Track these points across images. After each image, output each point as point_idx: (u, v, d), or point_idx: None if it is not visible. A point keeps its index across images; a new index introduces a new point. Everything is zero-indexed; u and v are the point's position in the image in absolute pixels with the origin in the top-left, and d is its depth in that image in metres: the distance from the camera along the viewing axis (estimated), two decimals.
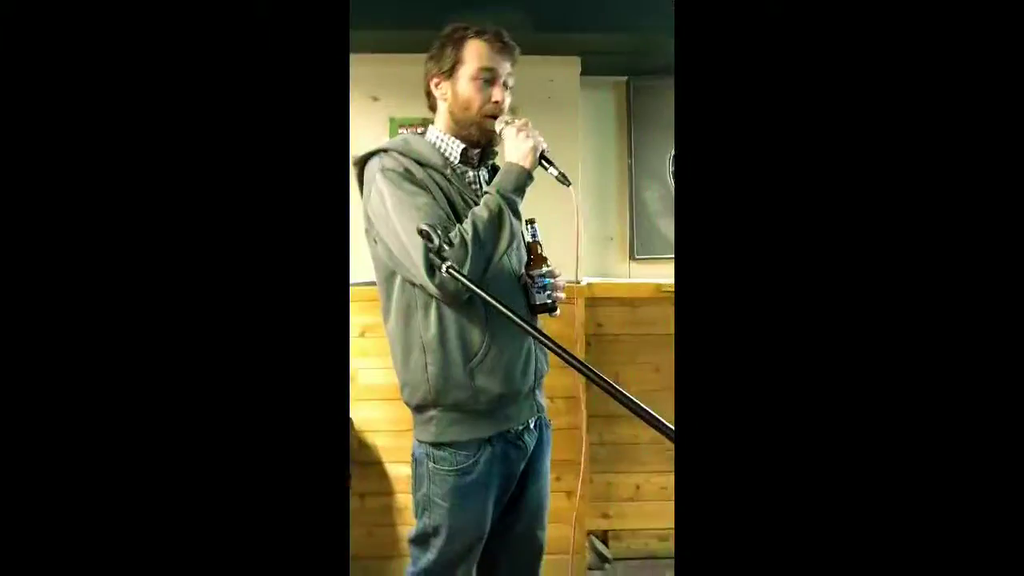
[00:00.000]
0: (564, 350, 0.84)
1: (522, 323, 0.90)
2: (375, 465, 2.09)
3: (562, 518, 2.10)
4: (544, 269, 1.20)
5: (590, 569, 2.14)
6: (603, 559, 2.19)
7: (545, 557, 2.06)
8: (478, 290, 0.95)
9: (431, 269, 1.03)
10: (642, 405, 0.76)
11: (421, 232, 1.01)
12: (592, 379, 0.80)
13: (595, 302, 2.15)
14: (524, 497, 1.25)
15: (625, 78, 2.34)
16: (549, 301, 1.20)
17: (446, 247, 1.00)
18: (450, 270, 0.98)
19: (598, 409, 2.12)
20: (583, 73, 2.18)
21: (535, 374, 1.22)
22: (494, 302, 0.93)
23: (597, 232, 2.33)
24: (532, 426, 1.24)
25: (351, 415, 2.04)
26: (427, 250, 1.02)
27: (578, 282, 2.14)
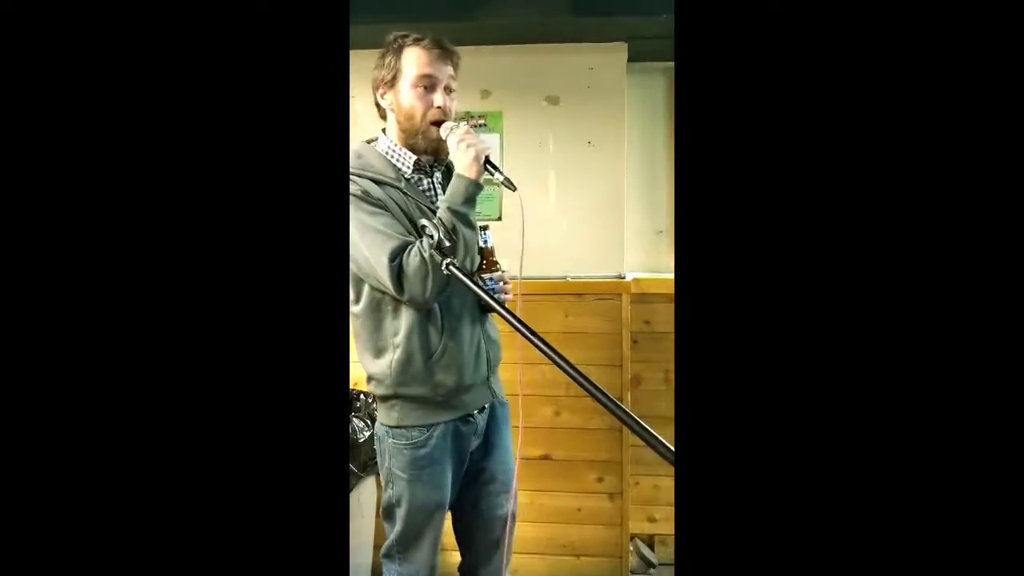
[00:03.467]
0: (545, 342, 0.86)
1: (513, 320, 0.93)
2: None
3: (605, 519, 2.06)
4: (494, 273, 1.28)
5: (634, 573, 2.08)
6: (648, 563, 2.12)
7: (587, 559, 2.03)
8: (473, 285, 1.02)
9: (399, 285, 1.14)
10: (634, 415, 0.75)
11: (423, 228, 1.08)
12: (571, 374, 0.80)
13: (642, 298, 2.08)
14: (485, 471, 1.34)
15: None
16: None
17: (446, 241, 1.06)
18: (451, 266, 1.03)
19: (644, 410, 2.05)
20: (630, 59, 2.10)
21: (488, 365, 1.32)
22: (488, 298, 0.99)
23: (645, 226, 2.25)
24: (487, 409, 1.34)
25: None
26: (393, 269, 1.13)
27: (622, 277, 2.09)
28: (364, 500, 1.93)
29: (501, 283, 1.28)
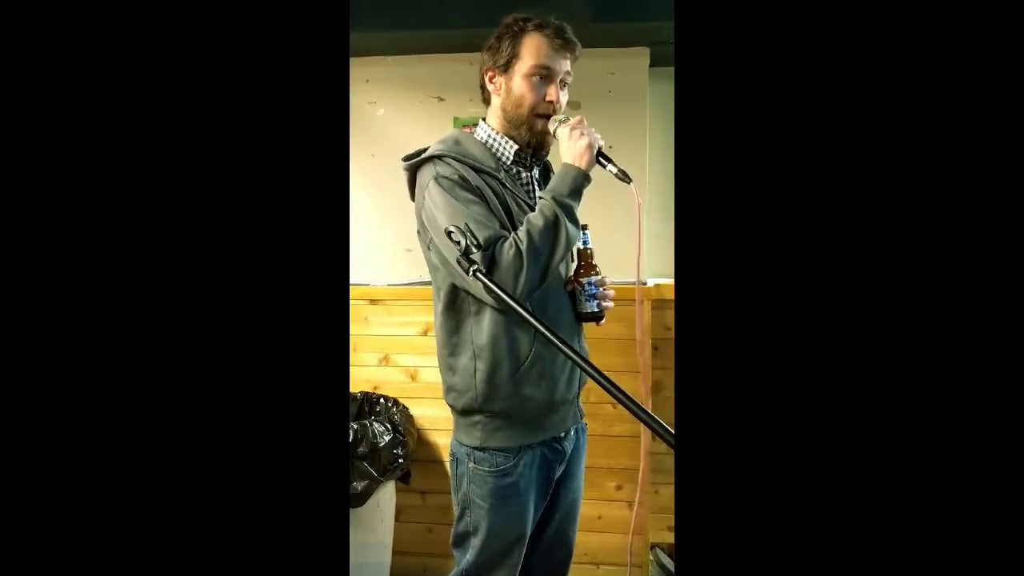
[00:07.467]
0: (592, 365, 0.80)
1: (548, 332, 0.83)
2: (436, 463, 2.10)
3: (625, 528, 2.03)
4: (593, 277, 1.16)
5: None
6: (668, 573, 2.09)
7: (607, 568, 2.01)
8: (507, 298, 0.90)
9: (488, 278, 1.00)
10: (648, 411, 0.77)
11: (448, 233, 0.96)
12: (624, 402, 0.77)
13: (663, 304, 2.06)
14: (557, 499, 1.23)
15: None
16: (596, 310, 1.17)
17: (474, 249, 0.94)
18: (477, 273, 0.93)
19: (665, 416, 2.02)
20: (652, 64, 2.09)
21: (579, 382, 1.20)
22: (521, 310, 0.88)
23: (665, 231, 2.22)
24: (572, 432, 1.23)
25: (412, 413, 2.06)
26: (484, 260, 0.99)
27: (644, 283, 2.07)
28: (384, 503, 1.94)
29: (601, 288, 1.16)
